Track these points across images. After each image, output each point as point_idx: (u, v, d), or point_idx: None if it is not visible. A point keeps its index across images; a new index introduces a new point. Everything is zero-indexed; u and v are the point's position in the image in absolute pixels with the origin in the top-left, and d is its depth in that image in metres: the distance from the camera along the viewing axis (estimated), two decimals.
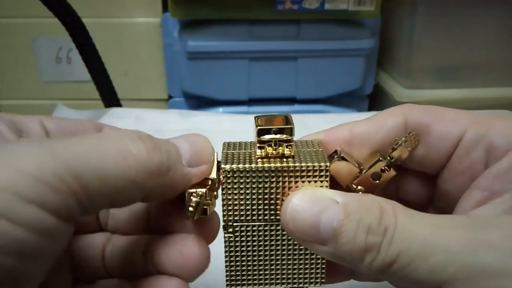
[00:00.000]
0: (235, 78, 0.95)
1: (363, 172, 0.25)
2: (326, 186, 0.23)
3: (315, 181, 0.23)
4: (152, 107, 0.72)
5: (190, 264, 0.23)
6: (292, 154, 0.23)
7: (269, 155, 0.23)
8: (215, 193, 0.24)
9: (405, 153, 0.24)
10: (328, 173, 0.23)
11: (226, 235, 0.24)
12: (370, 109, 1.06)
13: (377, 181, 0.25)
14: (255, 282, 0.25)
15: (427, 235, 0.19)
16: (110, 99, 0.69)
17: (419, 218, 0.20)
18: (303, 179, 0.23)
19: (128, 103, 0.72)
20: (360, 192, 0.25)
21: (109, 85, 0.68)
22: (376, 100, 1.06)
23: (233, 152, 0.24)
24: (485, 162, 0.23)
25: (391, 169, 0.25)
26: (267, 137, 0.23)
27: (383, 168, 0.24)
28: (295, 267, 0.25)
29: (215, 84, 0.95)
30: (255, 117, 0.24)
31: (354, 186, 0.25)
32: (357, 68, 0.97)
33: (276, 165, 0.23)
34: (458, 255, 0.18)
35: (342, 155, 0.24)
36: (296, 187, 0.23)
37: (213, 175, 0.23)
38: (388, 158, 0.24)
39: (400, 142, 0.24)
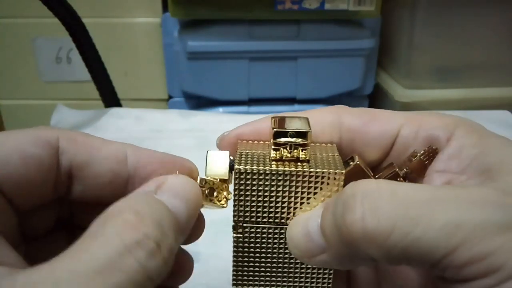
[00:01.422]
0: (235, 78, 0.95)
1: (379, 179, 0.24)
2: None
3: (329, 188, 0.22)
4: (152, 107, 0.72)
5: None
6: (307, 158, 0.23)
7: (284, 157, 0.23)
8: (225, 193, 0.24)
9: (421, 166, 0.24)
10: (342, 181, 0.22)
11: (235, 235, 0.24)
12: None
13: None
14: (260, 283, 0.25)
15: (428, 196, 0.18)
16: (110, 99, 0.69)
17: (409, 185, 0.19)
18: (316, 185, 0.22)
19: (128, 103, 0.72)
20: None
21: (109, 85, 0.68)
22: (376, 100, 1.06)
23: (247, 152, 0.24)
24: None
25: (407, 180, 0.24)
26: (283, 139, 0.22)
27: (398, 179, 0.24)
28: (302, 271, 0.24)
29: (215, 84, 0.95)
30: (271, 118, 0.23)
31: None
32: (357, 68, 0.97)
33: (291, 169, 0.22)
34: (469, 213, 0.17)
35: (358, 162, 0.24)
36: (309, 192, 0.23)
37: (225, 174, 0.23)
38: (405, 169, 0.24)
39: (418, 154, 0.24)
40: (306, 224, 0.21)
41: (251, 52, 0.92)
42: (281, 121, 0.23)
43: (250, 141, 0.25)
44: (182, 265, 0.24)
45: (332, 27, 0.92)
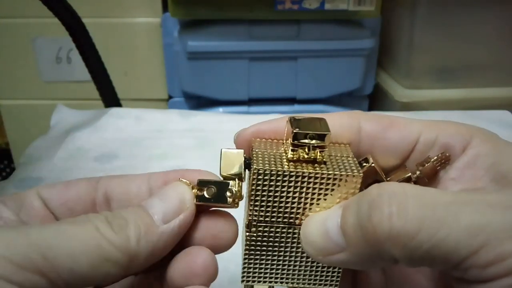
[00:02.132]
0: (235, 78, 0.95)
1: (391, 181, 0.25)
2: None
3: (346, 190, 0.23)
4: (152, 107, 0.72)
5: (198, 271, 0.24)
6: (324, 159, 0.23)
7: (301, 158, 0.23)
8: (238, 193, 0.24)
9: (433, 171, 0.24)
10: (359, 184, 0.23)
11: (248, 233, 0.24)
12: (370, 109, 1.06)
13: None
14: (270, 279, 0.25)
15: (451, 200, 0.18)
16: (110, 99, 0.69)
17: (433, 189, 0.20)
18: (333, 187, 0.23)
19: (128, 103, 0.72)
20: None
21: (109, 85, 0.68)
22: (376, 100, 1.06)
23: (263, 152, 0.24)
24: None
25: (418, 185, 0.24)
26: (302, 141, 0.22)
27: (411, 182, 0.24)
28: (311, 270, 0.25)
29: (215, 84, 0.95)
30: (289, 118, 0.23)
31: None
32: (357, 68, 0.97)
33: (309, 170, 0.22)
34: (492, 214, 0.18)
35: (372, 163, 0.24)
36: (326, 194, 0.23)
37: (239, 174, 0.24)
38: (418, 173, 0.24)
39: (432, 160, 0.24)
40: (324, 223, 0.22)
41: (251, 52, 0.92)
42: (300, 122, 0.23)
43: (264, 140, 0.25)
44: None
45: (332, 27, 0.92)
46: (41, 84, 0.99)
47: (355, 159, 0.24)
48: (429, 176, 0.24)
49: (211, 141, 0.60)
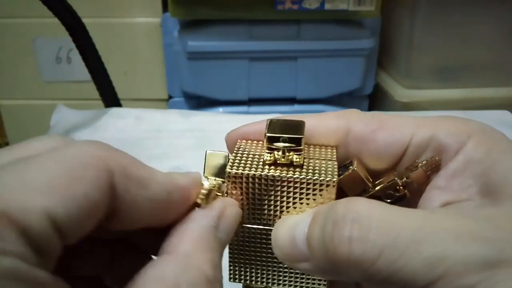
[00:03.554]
0: (235, 78, 0.95)
1: (375, 189, 0.24)
2: (333, 200, 0.22)
3: (321, 194, 0.22)
4: (152, 107, 0.72)
5: None
6: (301, 162, 0.23)
7: (278, 161, 0.23)
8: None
9: (423, 177, 0.22)
10: (334, 189, 0.22)
11: None
12: (370, 109, 1.06)
13: (389, 201, 0.23)
14: (256, 279, 0.25)
15: (416, 227, 0.18)
16: (110, 99, 0.69)
17: (399, 210, 0.19)
18: (308, 191, 0.22)
19: (128, 103, 0.72)
20: None
21: (109, 85, 0.68)
22: (376, 100, 1.06)
23: (243, 153, 0.24)
24: None
25: (406, 191, 0.23)
26: (276, 144, 0.22)
27: (397, 187, 0.23)
28: (297, 273, 0.24)
29: (215, 84, 0.95)
30: (267, 121, 0.23)
31: None
32: (357, 68, 0.97)
33: (282, 174, 0.22)
34: (455, 246, 0.17)
35: (355, 168, 0.23)
36: (301, 198, 0.22)
37: (222, 175, 0.23)
38: (405, 178, 0.23)
39: (420, 164, 0.23)
40: (293, 229, 0.21)
41: (251, 52, 0.92)
42: (275, 124, 0.23)
43: (250, 141, 0.25)
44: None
45: (332, 27, 0.92)
46: (41, 84, 0.99)
47: (335, 163, 0.23)
48: (420, 182, 0.23)
49: (211, 141, 0.60)
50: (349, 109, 0.25)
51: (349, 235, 0.18)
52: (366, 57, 0.97)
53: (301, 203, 0.23)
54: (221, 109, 0.98)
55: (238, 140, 0.25)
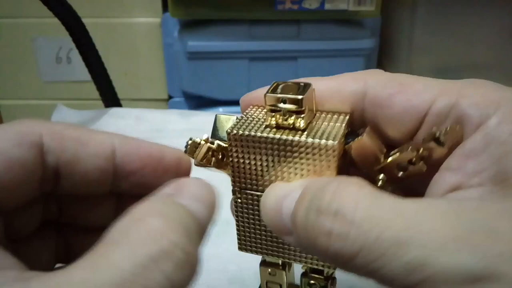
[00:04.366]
0: (235, 78, 0.95)
1: (388, 160, 0.21)
2: (334, 168, 0.20)
3: (321, 160, 0.20)
4: (152, 107, 0.72)
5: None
6: (304, 126, 0.21)
7: (280, 125, 0.21)
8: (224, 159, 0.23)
9: (441, 149, 0.20)
10: (335, 153, 0.20)
11: (235, 199, 0.23)
12: None
13: (402, 174, 0.21)
14: (265, 251, 0.24)
15: (402, 226, 0.16)
16: (110, 99, 0.69)
17: (389, 204, 0.17)
18: (308, 156, 0.20)
19: (128, 103, 0.72)
20: (380, 182, 0.21)
21: (109, 85, 0.68)
22: None
23: (248, 116, 0.22)
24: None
25: (421, 162, 0.20)
26: (278, 106, 0.21)
27: (412, 159, 0.20)
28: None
29: (215, 84, 0.95)
30: (273, 83, 0.22)
31: (376, 174, 0.21)
32: (357, 68, 0.97)
33: (276, 136, 0.21)
34: (439, 253, 0.15)
35: (364, 135, 0.21)
36: (297, 163, 0.21)
37: (224, 134, 0.23)
38: (421, 150, 0.20)
39: (437, 133, 0.19)
40: (280, 201, 0.20)
41: (251, 52, 0.92)
42: (278, 86, 0.22)
43: (262, 107, 0.24)
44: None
45: (332, 27, 0.92)
46: (41, 84, 0.99)
47: (342, 128, 0.21)
48: (437, 154, 0.20)
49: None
50: (370, 69, 0.23)
51: (330, 228, 0.17)
52: (366, 57, 0.97)
53: (300, 169, 0.21)
54: (221, 109, 0.98)
55: (251, 106, 0.24)
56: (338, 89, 0.22)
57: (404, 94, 0.21)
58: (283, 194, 0.20)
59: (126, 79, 0.97)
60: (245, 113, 0.23)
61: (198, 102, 1.00)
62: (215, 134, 0.23)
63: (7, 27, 0.94)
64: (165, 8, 0.93)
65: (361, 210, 0.17)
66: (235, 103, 0.97)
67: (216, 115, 0.23)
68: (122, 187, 0.22)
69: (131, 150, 0.22)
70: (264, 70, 0.95)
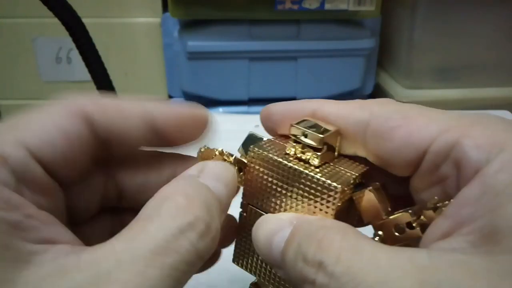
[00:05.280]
0: (235, 78, 0.95)
1: (388, 218, 0.21)
2: (333, 210, 0.21)
3: (322, 199, 0.21)
4: None
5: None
6: (317, 164, 0.21)
7: (297, 156, 0.22)
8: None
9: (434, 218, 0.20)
10: (337, 196, 0.20)
11: (241, 212, 0.25)
12: None
13: (398, 235, 0.21)
14: (253, 270, 0.25)
15: (376, 279, 0.16)
16: None
17: (368, 256, 0.17)
18: (311, 191, 0.21)
19: None
20: (377, 238, 0.22)
21: (109, 85, 0.68)
22: None
23: (275, 140, 0.24)
24: (456, 177, 0.19)
25: (418, 229, 0.20)
26: (299, 138, 0.22)
27: (410, 222, 0.21)
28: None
29: (215, 84, 0.95)
30: (303, 119, 0.23)
31: (377, 228, 0.22)
32: (357, 68, 0.97)
33: (289, 164, 0.22)
34: None
35: (376, 188, 0.21)
36: (304, 197, 0.21)
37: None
38: (417, 217, 0.20)
39: (440, 205, 0.19)
40: (271, 237, 0.21)
41: (251, 52, 0.92)
42: (308, 122, 0.22)
43: (292, 135, 0.25)
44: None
45: (332, 27, 0.92)
46: (41, 84, 0.99)
47: (355, 178, 0.21)
48: (432, 221, 0.20)
49: (211, 141, 0.60)
50: (380, 99, 0.23)
51: (314, 278, 0.18)
52: (366, 57, 0.97)
53: (301, 201, 0.22)
54: (221, 109, 0.98)
55: (280, 134, 0.24)
56: (343, 115, 0.22)
57: (406, 128, 0.20)
58: (274, 230, 0.21)
59: (126, 79, 0.97)
60: (274, 138, 0.24)
61: (198, 102, 0.98)
62: (246, 148, 0.25)
63: (7, 27, 0.94)
64: (165, 8, 0.93)
65: (341, 263, 0.17)
66: (235, 103, 0.98)
67: (249, 133, 0.25)
68: (164, 144, 0.25)
69: (165, 110, 0.24)
70: (264, 70, 0.95)
